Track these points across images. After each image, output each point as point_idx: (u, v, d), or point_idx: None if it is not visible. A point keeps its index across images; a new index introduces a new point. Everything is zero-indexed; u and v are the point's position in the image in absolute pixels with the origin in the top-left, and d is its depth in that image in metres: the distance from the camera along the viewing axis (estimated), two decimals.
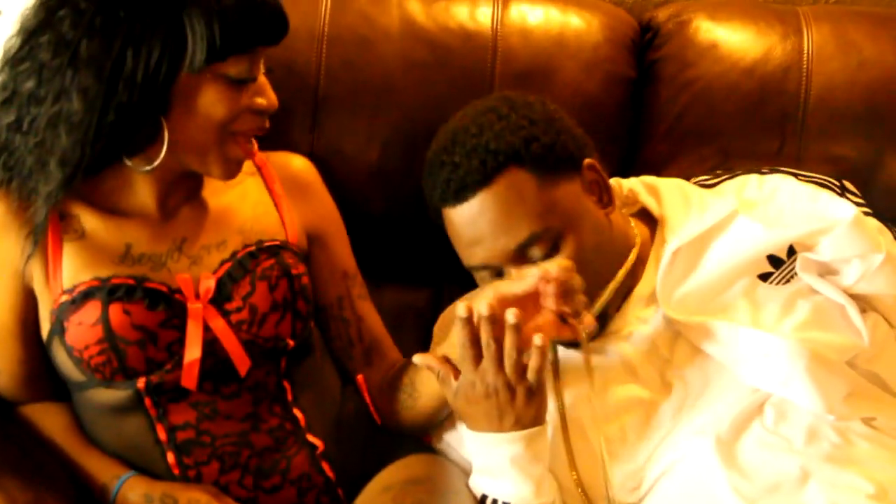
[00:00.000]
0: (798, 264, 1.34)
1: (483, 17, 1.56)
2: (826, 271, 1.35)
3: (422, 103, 1.53)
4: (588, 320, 1.18)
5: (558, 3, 1.58)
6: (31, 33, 1.24)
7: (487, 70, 1.53)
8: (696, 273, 1.38)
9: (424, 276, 1.63)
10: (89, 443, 1.35)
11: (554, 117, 1.35)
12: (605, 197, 1.36)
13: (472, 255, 1.33)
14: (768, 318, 1.35)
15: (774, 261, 1.36)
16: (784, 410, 1.32)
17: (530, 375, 1.19)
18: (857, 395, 1.33)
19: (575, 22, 1.57)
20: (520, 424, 1.23)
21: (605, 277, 1.34)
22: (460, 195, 1.29)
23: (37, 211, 1.25)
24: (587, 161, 1.36)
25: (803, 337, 1.32)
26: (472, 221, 1.30)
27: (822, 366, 1.30)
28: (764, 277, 1.36)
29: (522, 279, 1.19)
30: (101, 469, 1.33)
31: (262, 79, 1.28)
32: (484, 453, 1.27)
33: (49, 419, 1.36)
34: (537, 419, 1.24)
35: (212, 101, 1.25)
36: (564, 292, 1.18)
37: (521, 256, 1.30)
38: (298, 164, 1.47)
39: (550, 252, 1.30)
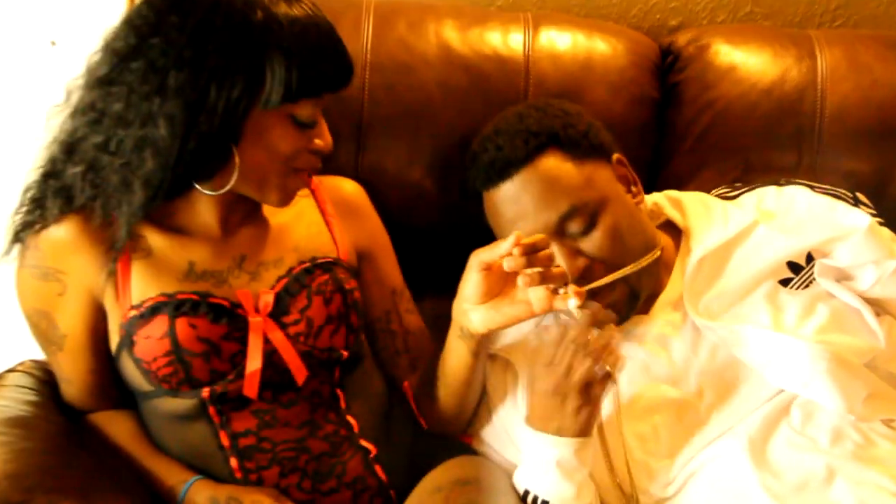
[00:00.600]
0: (816, 270, 1.38)
1: (515, 43, 1.61)
2: (842, 277, 1.39)
3: (459, 124, 1.57)
4: (573, 290, 1.22)
5: (584, 29, 1.64)
6: (122, 57, 1.27)
7: (521, 93, 1.58)
8: (720, 280, 1.42)
9: (446, 280, 1.67)
10: (156, 448, 1.39)
11: (583, 113, 1.42)
12: (633, 189, 1.42)
13: (511, 227, 1.37)
14: (789, 321, 1.39)
15: (794, 267, 1.40)
16: (810, 412, 1.35)
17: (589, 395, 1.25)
18: (877, 397, 1.36)
19: (601, 47, 1.63)
20: (564, 432, 1.27)
21: (633, 258, 1.38)
22: (504, 173, 1.36)
23: (118, 230, 1.28)
24: (616, 155, 1.42)
25: (823, 339, 1.35)
26: (517, 198, 1.36)
27: (842, 367, 1.34)
28: (784, 283, 1.40)
29: (496, 246, 1.24)
30: (168, 473, 1.36)
31: (322, 122, 1.33)
32: (533, 450, 1.31)
33: (117, 426, 1.40)
34: (583, 431, 1.27)
35: (279, 138, 1.30)
36: (539, 262, 1.23)
37: (561, 231, 1.35)
38: (349, 187, 1.52)
39: (588, 228, 1.35)
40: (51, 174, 1.34)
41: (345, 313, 1.40)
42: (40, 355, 1.44)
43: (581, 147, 1.38)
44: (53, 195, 1.32)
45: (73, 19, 1.96)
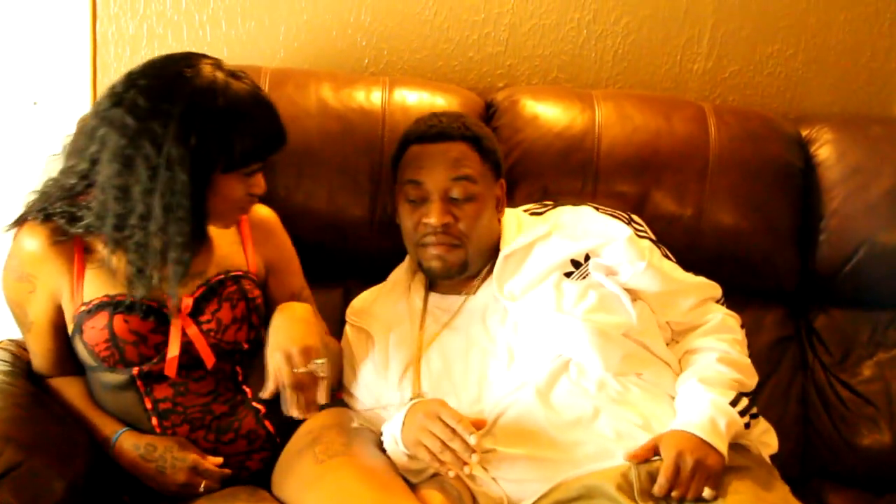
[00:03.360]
0: (590, 266, 1.69)
1: (375, 100, 1.94)
2: (609, 272, 1.70)
3: (334, 161, 1.89)
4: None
5: (428, 89, 1.98)
6: (130, 135, 1.46)
7: (379, 137, 1.90)
8: (520, 272, 1.72)
9: (336, 277, 1.95)
10: (97, 407, 1.60)
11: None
12: (500, 208, 1.78)
13: (420, 175, 1.69)
14: (568, 304, 1.68)
15: (575, 263, 1.71)
16: (582, 369, 1.64)
17: None
18: (630, 357, 1.66)
19: (440, 101, 1.96)
20: (407, 448, 1.56)
21: (478, 240, 1.71)
22: (438, 138, 1.72)
23: (168, 276, 1.50)
24: (502, 180, 1.79)
25: (590, 317, 1.65)
26: (433, 155, 1.71)
27: (602, 337, 1.64)
28: (568, 275, 1.71)
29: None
30: (104, 425, 1.58)
31: (260, 172, 1.57)
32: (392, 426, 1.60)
33: (69, 389, 1.62)
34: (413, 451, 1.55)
35: (233, 190, 1.53)
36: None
37: (446, 195, 1.69)
38: (264, 212, 1.73)
39: (464, 200, 1.69)
40: (66, 198, 1.53)
41: (247, 315, 1.61)
42: (18, 335, 1.70)
43: (489, 158, 1.76)
44: (60, 215, 1.53)
45: (53, 81, 2.18)
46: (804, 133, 2.11)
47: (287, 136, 1.55)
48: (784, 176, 2.04)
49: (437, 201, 1.70)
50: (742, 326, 1.78)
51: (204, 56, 1.54)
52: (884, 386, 2.03)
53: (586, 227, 1.78)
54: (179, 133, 1.44)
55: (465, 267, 1.75)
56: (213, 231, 1.62)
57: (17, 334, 1.72)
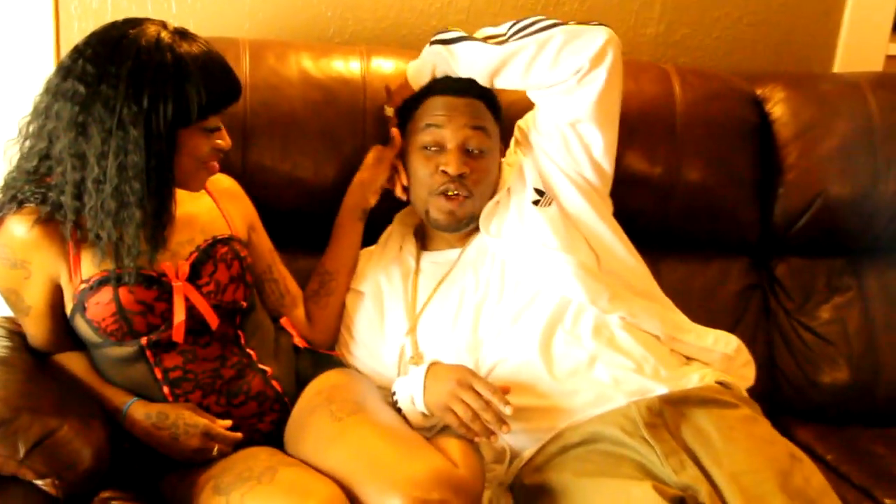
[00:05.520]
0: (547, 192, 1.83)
1: (355, 68, 1.98)
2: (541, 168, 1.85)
3: (316, 129, 1.92)
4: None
5: (403, 57, 1.99)
6: (81, 102, 1.47)
7: (360, 104, 1.94)
8: (500, 208, 1.82)
9: (321, 244, 1.92)
10: (104, 380, 1.61)
11: None
12: (499, 165, 1.87)
13: (441, 121, 1.78)
14: (545, 235, 1.77)
15: (539, 192, 1.82)
16: (577, 319, 1.72)
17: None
18: (616, 298, 1.75)
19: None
20: (429, 409, 1.63)
21: (485, 201, 1.81)
22: (460, 92, 1.82)
23: (127, 239, 1.51)
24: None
25: (572, 252, 1.76)
26: (460, 105, 1.80)
27: (584, 270, 1.74)
28: (535, 203, 1.81)
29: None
30: (114, 396, 1.59)
31: (223, 128, 1.59)
32: (408, 383, 1.66)
33: (74, 364, 1.63)
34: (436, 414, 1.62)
35: (196, 146, 1.55)
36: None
37: (464, 146, 1.78)
38: (226, 181, 1.78)
39: (479, 153, 1.79)
40: (33, 181, 1.53)
41: (242, 274, 1.66)
42: (9, 313, 1.67)
43: (498, 116, 1.87)
44: (32, 199, 1.52)
45: (15, 58, 2.13)
46: (758, 92, 2.21)
47: (241, 87, 1.58)
48: (744, 133, 2.14)
49: (456, 150, 1.78)
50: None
51: (147, 19, 1.55)
52: (841, 327, 2.16)
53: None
54: (130, 92, 1.46)
55: (471, 220, 1.83)
56: (191, 203, 1.65)
57: (8, 312, 1.70)
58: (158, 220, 1.53)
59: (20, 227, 1.54)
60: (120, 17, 1.97)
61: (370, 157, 1.90)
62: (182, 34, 1.53)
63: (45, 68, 2.02)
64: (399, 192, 1.88)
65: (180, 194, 1.59)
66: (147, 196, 1.50)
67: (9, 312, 1.70)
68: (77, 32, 2.15)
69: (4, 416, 1.43)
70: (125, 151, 1.47)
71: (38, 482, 1.43)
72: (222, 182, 1.77)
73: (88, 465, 1.47)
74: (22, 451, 1.42)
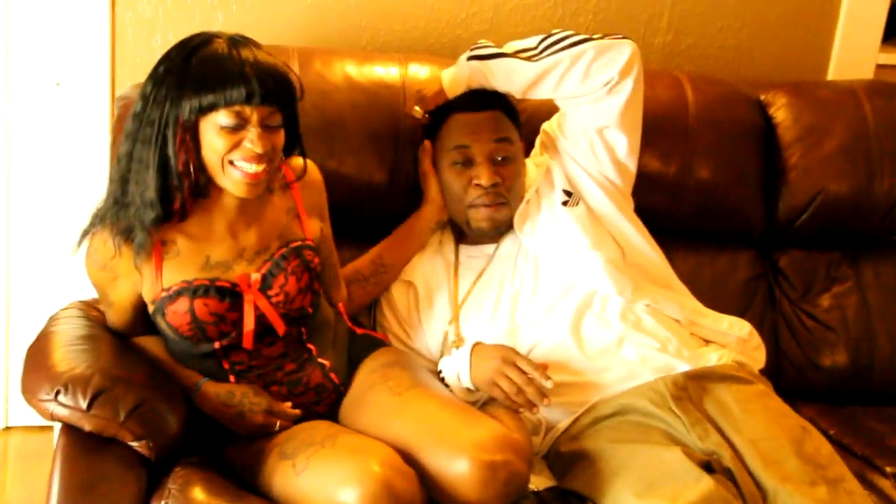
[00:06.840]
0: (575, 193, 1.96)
1: (394, 73, 2.10)
2: (570, 174, 1.96)
3: (361, 129, 2.04)
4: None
5: (436, 63, 2.10)
6: (139, 119, 1.58)
7: (400, 105, 2.05)
8: (533, 208, 1.93)
9: (365, 237, 2.04)
10: (177, 361, 1.71)
11: None
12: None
13: (468, 140, 1.87)
14: (575, 234, 1.88)
15: (567, 192, 1.94)
16: (604, 304, 1.85)
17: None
18: (640, 289, 1.89)
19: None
20: (476, 385, 1.74)
21: (517, 193, 1.90)
22: (484, 106, 1.92)
23: (137, 235, 1.59)
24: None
25: (600, 249, 1.88)
26: (482, 121, 1.90)
27: (613, 265, 1.87)
28: (564, 203, 1.92)
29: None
30: (187, 376, 1.69)
31: (255, 129, 1.54)
32: (456, 361, 1.76)
33: (151, 345, 1.73)
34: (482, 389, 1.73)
35: (213, 140, 1.56)
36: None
37: (492, 156, 1.87)
38: (311, 169, 1.78)
39: (505, 161, 1.88)
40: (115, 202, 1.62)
41: (311, 284, 1.70)
42: (81, 298, 1.83)
43: (516, 121, 1.98)
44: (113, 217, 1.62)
45: (75, 63, 2.26)
46: (762, 97, 2.36)
47: (259, 90, 1.53)
48: (750, 136, 2.29)
49: (486, 163, 1.89)
50: None
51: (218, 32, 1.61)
52: (840, 314, 2.31)
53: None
54: (151, 90, 1.55)
55: (509, 221, 1.94)
56: (270, 204, 1.71)
57: (83, 298, 1.85)
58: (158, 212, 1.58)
59: (106, 240, 1.64)
60: (170, 26, 2.18)
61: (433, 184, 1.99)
62: (235, 40, 1.57)
63: (101, 73, 2.21)
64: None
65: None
66: (161, 189, 1.58)
67: (81, 297, 1.85)
68: (131, 41, 2.29)
69: (105, 384, 1.55)
70: (142, 146, 1.57)
71: (134, 444, 1.53)
72: (310, 173, 1.78)
73: (176, 430, 1.59)
74: (122, 415, 1.53)
